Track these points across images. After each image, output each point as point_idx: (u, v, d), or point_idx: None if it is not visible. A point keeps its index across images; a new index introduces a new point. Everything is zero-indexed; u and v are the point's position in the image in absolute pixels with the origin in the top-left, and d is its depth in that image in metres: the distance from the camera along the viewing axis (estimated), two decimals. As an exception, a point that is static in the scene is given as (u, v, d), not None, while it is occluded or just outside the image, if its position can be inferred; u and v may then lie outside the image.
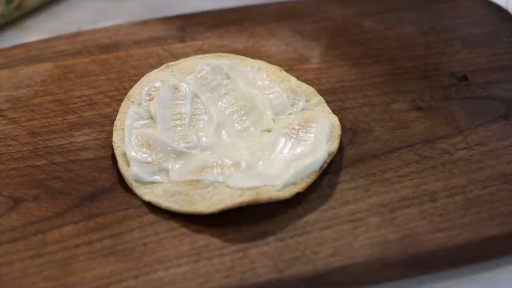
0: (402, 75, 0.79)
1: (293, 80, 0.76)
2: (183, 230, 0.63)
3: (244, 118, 0.71)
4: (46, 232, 0.63)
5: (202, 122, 0.70)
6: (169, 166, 0.66)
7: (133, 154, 0.67)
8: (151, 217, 0.64)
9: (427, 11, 0.89)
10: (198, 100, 0.73)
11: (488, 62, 0.81)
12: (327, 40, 0.84)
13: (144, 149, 0.68)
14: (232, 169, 0.65)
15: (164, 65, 0.78)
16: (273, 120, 0.71)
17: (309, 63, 0.80)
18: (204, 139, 0.69)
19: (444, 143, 0.71)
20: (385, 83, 0.78)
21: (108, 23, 0.90)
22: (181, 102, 0.72)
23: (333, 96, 0.76)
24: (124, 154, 0.68)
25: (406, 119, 0.73)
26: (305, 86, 0.75)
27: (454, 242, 0.62)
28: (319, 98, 0.74)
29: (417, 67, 0.80)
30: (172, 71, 0.76)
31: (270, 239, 0.62)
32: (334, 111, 0.73)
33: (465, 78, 0.79)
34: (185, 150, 0.67)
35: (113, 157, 0.69)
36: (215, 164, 0.66)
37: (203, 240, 0.62)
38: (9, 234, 0.62)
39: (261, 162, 0.66)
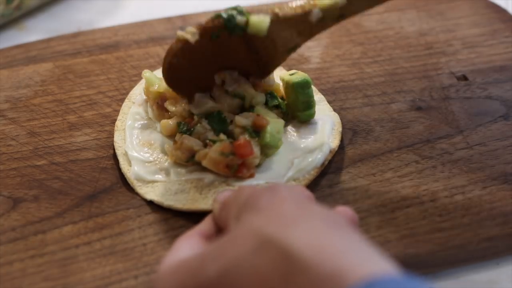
0: (402, 75, 0.79)
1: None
2: (183, 230, 0.62)
3: (245, 117, 0.71)
4: (46, 232, 0.63)
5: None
6: (171, 165, 0.66)
7: (135, 153, 0.67)
8: (151, 217, 0.64)
9: (427, 11, 0.89)
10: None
11: (488, 62, 0.81)
12: (327, 40, 0.84)
13: (146, 149, 0.68)
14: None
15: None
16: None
17: (309, 63, 0.80)
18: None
19: (444, 143, 0.71)
20: (385, 83, 0.78)
21: (108, 23, 0.90)
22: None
23: (333, 96, 0.76)
24: (126, 154, 0.68)
25: (406, 119, 0.73)
26: (305, 85, 0.75)
27: (454, 242, 0.62)
28: (319, 96, 0.74)
29: (417, 67, 0.80)
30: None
31: (270, 239, 0.62)
32: (334, 111, 0.73)
33: (465, 78, 0.79)
34: (185, 149, 0.67)
35: (113, 157, 0.69)
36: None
37: (203, 240, 0.62)
38: (9, 234, 0.62)
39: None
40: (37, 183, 0.67)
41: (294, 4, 0.63)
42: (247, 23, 0.62)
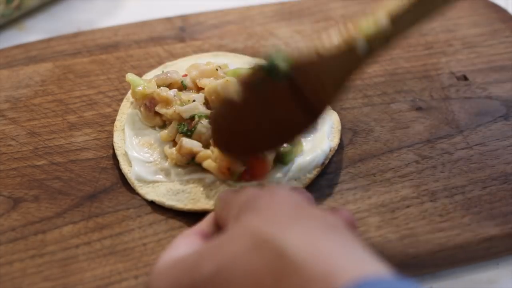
0: (402, 75, 0.79)
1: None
2: (183, 230, 0.62)
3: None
4: (46, 232, 0.63)
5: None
6: (171, 165, 0.66)
7: (135, 154, 0.67)
8: (151, 217, 0.64)
9: (427, 11, 0.89)
10: (198, 100, 0.73)
11: (488, 62, 0.81)
12: (327, 40, 0.84)
13: (146, 149, 0.68)
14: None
15: (162, 65, 0.78)
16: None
17: (309, 63, 0.80)
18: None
19: (444, 143, 0.71)
20: (385, 83, 0.78)
21: (108, 23, 0.90)
22: (181, 102, 0.72)
23: (333, 96, 0.76)
24: (125, 154, 0.68)
25: (406, 119, 0.73)
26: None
27: (454, 242, 0.62)
28: (318, 96, 0.74)
29: (417, 67, 0.80)
30: (171, 71, 0.76)
31: (270, 239, 0.62)
32: (334, 111, 0.73)
33: (465, 78, 0.79)
34: (185, 149, 0.67)
35: (113, 157, 0.69)
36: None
37: (203, 240, 0.62)
38: (9, 234, 0.62)
39: None
40: (37, 183, 0.67)
41: (334, 39, 0.55)
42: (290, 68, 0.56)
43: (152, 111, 0.69)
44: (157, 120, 0.69)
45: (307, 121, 0.60)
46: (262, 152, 0.63)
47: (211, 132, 0.64)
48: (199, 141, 0.65)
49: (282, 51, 0.56)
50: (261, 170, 0.63)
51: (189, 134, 0.66)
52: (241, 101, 0.57)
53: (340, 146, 0.70)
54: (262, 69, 0.56)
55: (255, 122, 0.59)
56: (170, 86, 0.71)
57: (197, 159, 0.64)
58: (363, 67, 0.57)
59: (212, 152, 0.64)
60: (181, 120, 0.67)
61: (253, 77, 0.57)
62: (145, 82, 0.70)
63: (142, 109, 0.70)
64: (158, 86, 0.70)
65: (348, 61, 0.56)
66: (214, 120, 0.62)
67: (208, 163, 0.64)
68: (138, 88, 0.69)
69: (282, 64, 0.55)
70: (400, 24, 0.54)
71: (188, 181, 0.65)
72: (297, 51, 0.57)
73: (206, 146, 0.65)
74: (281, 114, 0.59)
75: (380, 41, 0.55)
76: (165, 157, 0.67)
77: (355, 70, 0.57)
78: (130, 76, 0.70)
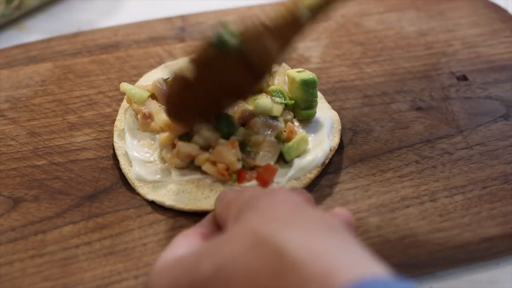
0: (402, 75, 0.79)
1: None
2: (183, 230, 0.62)
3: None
4: (46, 232, 0.63)
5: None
6: (171, 165, 0.66)
7: (135, 154, 0.67)
8: (151, 217, 0.64)
9: (427, 11, 0.89)
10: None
11: (488, 62, 0.81)
12: (327, 40, 0.84)
13: (146, 149, 0.68)
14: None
15: (162, 65, 0.78)
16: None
17: (309, 63, 0.80)
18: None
19: (444, 143, 0.71)
20: (385, 83, 0.78)
21: (108, 23, 0.90)
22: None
23: (333, 96, 0.76)
24: (126, 154, 0.68)
25: (406, 119, 0.73)
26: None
27: (454, 242, 0.62)
28: (318, 94, 0.73)
29: (417, 67, 0.80)
30: (172, 71, 0.76)
31: (270, 239, 0.62)
32: (334, 111, 0.73)
33: (465, 78, 0.79)
34: (186, 149, 0.67)
35: (113, 157, 0.69)
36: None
37: (203, 240, 0.62)
38: (9, 234, 0.62)
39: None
40: (37, 183, 0.67)
41: (280, 9, 0.59)
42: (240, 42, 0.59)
43: (147, 118, 0.69)
44: (153, 126, 0.69)
45: (253, 83, 0.64)
46: (211, 115, 0.66)
47: (165, 111, 0.65)
48: (198, 144, 0.65)
49: (230, 26, 0.59)
50: (270, 177, 0.64)
51: (187, 140, 0.65)
52: (193, 77, 0.60)
53: (340, 146, 0.70)
54: (212, 46, 0.59)
55: (206, 92, 0.62)
56: None
57: (196, 162, 0.64)
58: (305, 32, 0.60)
59: (210, 153, 0.64)
60: None
61: (204, 54, 0.60)
62: (140, 91, 0.69)
63: (139, 116, 0.69)
64: (154, 97, 0.70)
65: (292, 28, 0.60)
66: (168, 100, 0.64)
67: (207, 166, 0.64)
68: (134, 104, 0.69)
69: (231, 40, 0.58)
70: None
71: (188, 181, 0.65)
72: (243, 25, 0.59)
73: (205, 148, 0.65)
74: (230, 81, 0.62)
75: (320, 8, 0.59)
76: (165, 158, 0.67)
77: (298, 35, 0.61)
78: (125, 86, 0.70)
